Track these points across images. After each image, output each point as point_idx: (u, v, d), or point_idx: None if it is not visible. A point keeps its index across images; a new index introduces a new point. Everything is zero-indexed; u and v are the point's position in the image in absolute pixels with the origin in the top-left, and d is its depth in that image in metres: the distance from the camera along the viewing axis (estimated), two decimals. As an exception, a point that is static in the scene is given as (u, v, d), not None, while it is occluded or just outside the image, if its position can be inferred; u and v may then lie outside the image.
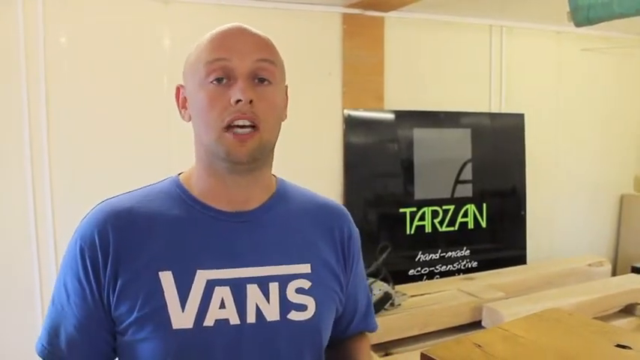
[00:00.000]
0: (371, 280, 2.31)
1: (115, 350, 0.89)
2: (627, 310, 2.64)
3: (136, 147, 2.33)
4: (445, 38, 2.96)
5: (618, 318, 2.59)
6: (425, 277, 2.92)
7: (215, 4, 2.40)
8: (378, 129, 2.82)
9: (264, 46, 0.89)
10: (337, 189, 2.75)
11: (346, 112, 2.73)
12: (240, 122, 0.83)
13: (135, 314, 0.83)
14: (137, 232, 0.86)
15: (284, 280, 0.89)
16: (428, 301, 2.39)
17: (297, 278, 0.90)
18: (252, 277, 0.87)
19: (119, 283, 0.83)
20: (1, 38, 2.12)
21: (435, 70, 2.95)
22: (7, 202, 2.18)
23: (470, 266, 3.03)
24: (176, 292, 0.83)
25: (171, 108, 0.94)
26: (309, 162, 2.68)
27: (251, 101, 0.83)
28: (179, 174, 0.96)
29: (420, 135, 2.89)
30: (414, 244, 2.90)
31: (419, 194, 2.90)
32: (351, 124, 2.74)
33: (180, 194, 0.91)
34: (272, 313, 0.87)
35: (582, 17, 1.62)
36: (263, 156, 0.89)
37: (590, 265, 2.98)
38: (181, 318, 0.82)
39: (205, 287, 0.84)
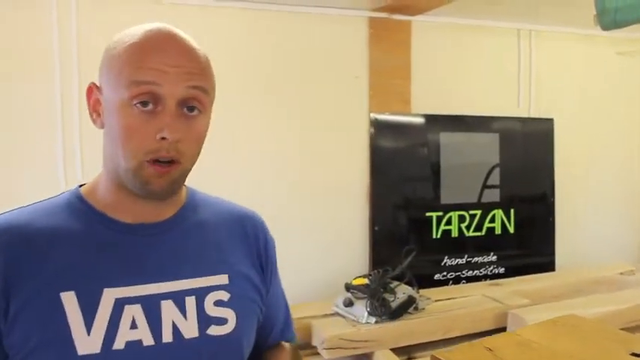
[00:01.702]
0: (395, 283, 2.31)
1: None
2: (659, 321, 2.57)
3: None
4: (472, 42, 2.94)
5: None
6: (451, 282, 2.90)
7: (245, 8, 2.44)
8: (405, 133, 2.82)
9: (199, 68, 0.80)
10: (363, 192, 2.75)
11: (372, 115, 2.74)
12: (162, 159, 0.77)
13: (33, 341, 0.74)
14: (33, 251, 0.77)
15: (201, 294, 0.84)
16: (452, 305, 2.37)
17: (214, 290, 0.85)
18: (167, 293, 0.81)
19: (12, 308, 0.74)
20: (36, 39, 2.20)
21: (462, 74, 2.94)
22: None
23: (497, 272, 2.99)
24: (80, 315, 0.75)
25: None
26: (336, 166, 2.70)
27: (178, 140, 0.77)
28: (80, 186, 0.89)
29: (447, 139, 2.87)
30: (439, 249, 2.89)
31: (445, 198, 2.89)
32: (378, 128, 2.74)
33: (82, 207, 0.84)
34: (190, 329, 0.81)
35: (609, 20, 1.60)
36: (180, 184, 0.85)
37: (621, 273, 2.91)
38: (87, 342, 0.74)
39: (114, 307, 0.77)
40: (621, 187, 3.39)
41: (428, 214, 2.85)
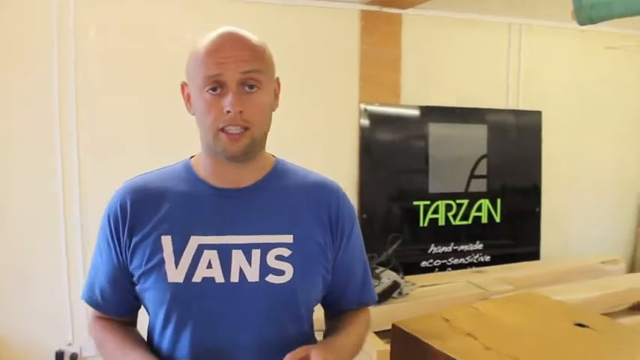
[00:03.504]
0: (380, 269, 2.39)
1: (136, 297, 1.07)
2: (638, 308, 2.64)
3: (160, 136, 2.45)
4: (463, 35, 3.00)
5: (628, 315, 2.59)
6: (437, 270, 2.98)
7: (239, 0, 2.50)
8: (394, 123, 2.88)
9: (253, 56, 1.01)
10: (352, 181, 2.82)
11: (362, 106, 2.80)
12: (232, 128, 0.98)
13: (142, 268, 1.02)
14: (148, 204, 1.05)
15: (265, 248, 1.03)
16: (436, 291, 2.45)
17: (278, 247, 1.03)
18: (238, 244, 1.02)
19: (132, 243, 1.03)
20: (35, 27, 2.26)
21: (452, 67, 3.00)
22: (38, 190, 2.32)
23: (482, 260, 3.07)
24: (172, 253, 1.01)
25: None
26: (325, 154, 2.76)
27: (241, 111, 0.97)
28: (191, 157, 1.13)
29: (436, 130, 2.94)
30: (427, 237, 2.96)
31: (433, 188, 2.96)
32: (368, 119, 2.81)
33: (185, 174, 1.09)
34: (253, 275, 1.01)
35: (585, 16, 1.65)
36: (255, 148, 1.03)
37: (603, 262, 2.98)
38: (175, 274, 1.00)
39: (196, 250, 1.01)
40: (609, 180, 3.45)
41: (416, 202, 2.92)
